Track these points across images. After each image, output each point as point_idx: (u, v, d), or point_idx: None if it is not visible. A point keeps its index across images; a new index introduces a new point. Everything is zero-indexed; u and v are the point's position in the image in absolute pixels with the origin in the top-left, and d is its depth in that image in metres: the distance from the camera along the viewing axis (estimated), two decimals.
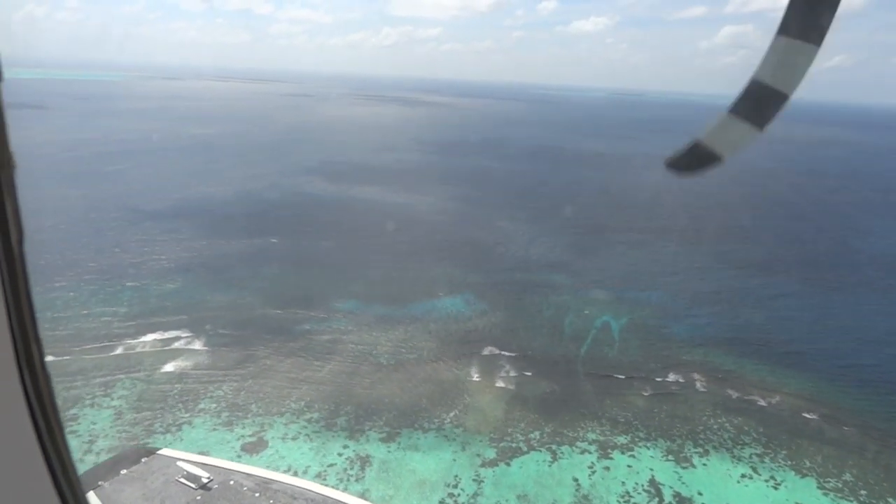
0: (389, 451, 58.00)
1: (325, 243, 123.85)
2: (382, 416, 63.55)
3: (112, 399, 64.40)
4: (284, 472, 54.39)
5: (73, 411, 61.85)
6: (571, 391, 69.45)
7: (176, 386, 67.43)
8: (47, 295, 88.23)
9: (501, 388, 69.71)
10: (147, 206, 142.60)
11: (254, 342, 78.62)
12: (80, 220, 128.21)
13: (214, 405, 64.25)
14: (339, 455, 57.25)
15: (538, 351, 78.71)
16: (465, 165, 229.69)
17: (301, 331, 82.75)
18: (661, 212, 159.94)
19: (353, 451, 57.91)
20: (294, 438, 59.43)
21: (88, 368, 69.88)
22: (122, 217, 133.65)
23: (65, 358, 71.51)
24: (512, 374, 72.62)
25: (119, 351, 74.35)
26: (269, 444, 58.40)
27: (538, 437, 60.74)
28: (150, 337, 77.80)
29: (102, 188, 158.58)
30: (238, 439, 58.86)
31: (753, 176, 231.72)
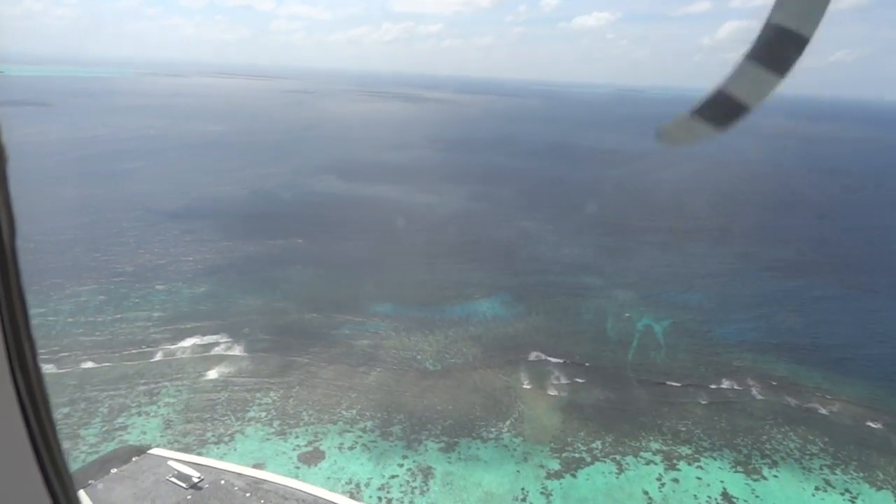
0: (450, 463, 56.35)
1: (350, 244, 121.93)
2: (437, 424, 61.89)
3: (159, 407, 62.66)
4: (346, 484, 52.94)
5: (120, 420, 60.21)
6: (627, 399, 67.88)
7: (222, 394, 65.63)
8: (77, 298, 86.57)
9: (554, 395, 68.06)
10: (164, 206, 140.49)
11: (294, 347, 76.85)
12: (99, 221, 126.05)
13: (264, 414, 62.52)
14: (400, 466, 55.60)
15: (585, 356, 77.09)
16: (477, 163, 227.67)
17: (340, 335, 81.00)
18: (685, 211, 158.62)
19: (414, 461, 56.26)
20: (351, 448, 57.74)
21: (130, 375, 68.08)
22: (141, 217, 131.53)
23: (105, 365, 69.77)
24: (563, 381, 70.98)
25: (159, 357, 72.52)
26: (327, 454, 56.69)
27: (600, 447, 59.16)
28: (188, 342, 75.93)
29: (117, 187, 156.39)
30: (294, 449, 57.18)
31: (769, 173, 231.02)
